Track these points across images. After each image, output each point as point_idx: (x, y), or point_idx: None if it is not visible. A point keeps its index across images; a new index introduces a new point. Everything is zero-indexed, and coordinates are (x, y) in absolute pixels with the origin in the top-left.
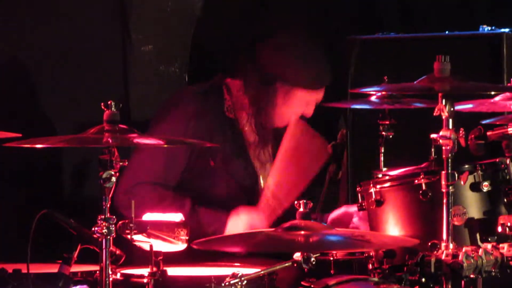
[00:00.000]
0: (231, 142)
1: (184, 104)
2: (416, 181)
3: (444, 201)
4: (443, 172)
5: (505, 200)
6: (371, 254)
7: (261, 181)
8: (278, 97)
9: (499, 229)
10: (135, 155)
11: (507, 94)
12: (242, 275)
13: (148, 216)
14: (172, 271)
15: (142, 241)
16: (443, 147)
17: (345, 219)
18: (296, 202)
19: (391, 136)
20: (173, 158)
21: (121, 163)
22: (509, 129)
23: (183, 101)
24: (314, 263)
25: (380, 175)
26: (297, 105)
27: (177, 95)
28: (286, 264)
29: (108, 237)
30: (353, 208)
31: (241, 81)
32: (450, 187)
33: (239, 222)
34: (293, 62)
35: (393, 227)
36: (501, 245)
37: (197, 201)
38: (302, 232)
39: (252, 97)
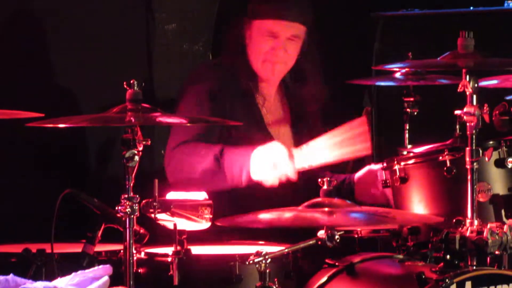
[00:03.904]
0: (247, 112)
1: (201, 79)
2: (441, 157)
3: (469, 177)
4: (468, 148)
5: None
6: (395, 231)
7: None
8: (245, 32)
9: None
10: None
11: None
12: (266, 253)
13: (171, 195)
14: (196, 249)
15: (166, 220)
16: (467, 124)
17: (370, 177)
18: (319, 180)
19: (415, 113)
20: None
21: (144, 142)
22: None
23: (199, 77)
24: (338, 240)
25: (404, 152)
26: (259, 35)
27: (193, 72)
28: (311, 242)
29: (132, 216)
30: (377, 166)
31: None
32: (475, 164)
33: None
34: None
35: (418, 204)
36: None
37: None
38: (326, 209)
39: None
